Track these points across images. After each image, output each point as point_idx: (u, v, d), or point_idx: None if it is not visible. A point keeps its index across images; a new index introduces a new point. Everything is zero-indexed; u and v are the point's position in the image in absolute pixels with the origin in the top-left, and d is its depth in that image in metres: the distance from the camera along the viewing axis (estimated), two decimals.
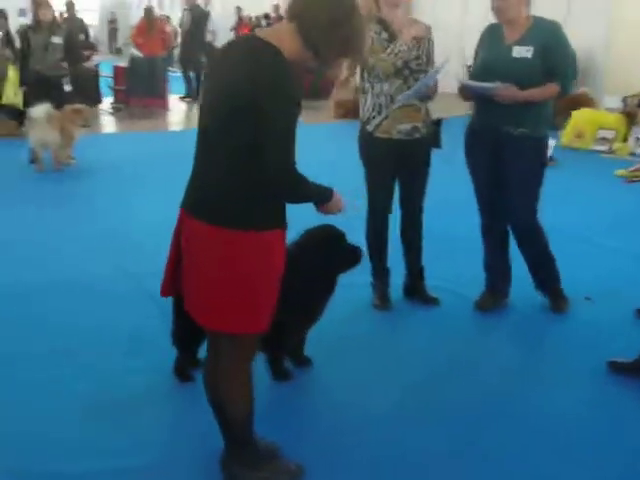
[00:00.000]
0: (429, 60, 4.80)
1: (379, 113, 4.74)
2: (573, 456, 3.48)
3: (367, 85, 4.77)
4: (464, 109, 4.89)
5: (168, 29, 16.94)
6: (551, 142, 10.35)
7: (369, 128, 4.79)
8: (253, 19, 24.81)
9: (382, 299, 5.10)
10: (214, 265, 2.81)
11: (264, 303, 2.89)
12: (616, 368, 4.20)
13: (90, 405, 3.85)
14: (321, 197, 2.98)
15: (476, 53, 4.80)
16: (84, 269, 5.84)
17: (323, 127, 11.45)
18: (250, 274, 2.80)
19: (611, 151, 11.38)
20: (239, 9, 25.59)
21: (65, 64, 10.21)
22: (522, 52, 4.46)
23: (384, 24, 4.70)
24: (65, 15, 16.24)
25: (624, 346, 4.42)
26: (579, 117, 12.14)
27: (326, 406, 3.94)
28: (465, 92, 4.69)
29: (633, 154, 10.64)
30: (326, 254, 3.81)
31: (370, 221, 5.02)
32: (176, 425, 3.74)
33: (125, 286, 5.46)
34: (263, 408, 3.76)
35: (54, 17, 10.35)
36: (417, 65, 4.71)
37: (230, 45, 2.92)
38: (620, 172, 9.22)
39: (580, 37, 15.85)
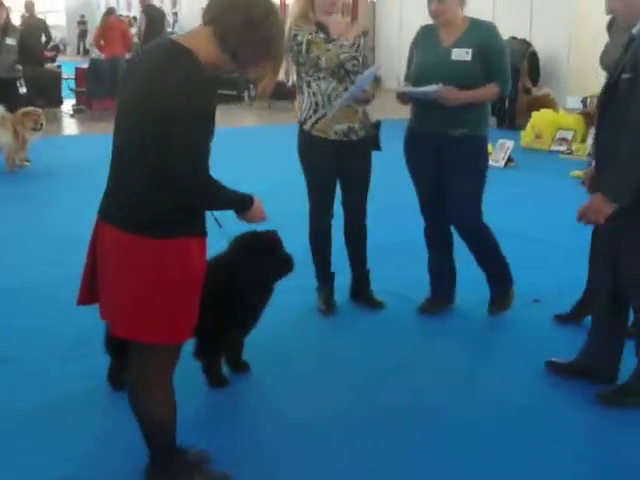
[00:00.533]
0: (363, 63, 4.78)
1: (315, 112, 4.70)
2: (511, 460, 3.45)
3: (303, 84, 4.74)
4: (403, 111, 4.85)
5: (130, 30, 16.78)
6: (509, 143, 10.45)
7: (305, 127, 4.76)
8: None
9: (327, 303, 5.06)
10: (129, 273, 2.75)
11: (183, 312, 2.83)
12: (553, 368, 4.19)
13: (15, 414, 3.77)
14: (239, 205, 2.93)
15: (410, 55, 4.77)
16: (31, 272, 5.77)
17: (287, 128, 11.40)
18: (167, 282, 2.74)
19: (570, 152, 11.42)
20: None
21: (19, 66, 10.10)
22: (462, 54, 4.44)
23: (321, 27, 4.67)
24: (25, 16, 16.02)
25: (565, 348, 4.40)
26: (539, 118, 12.22)
27: (264, 413, 3.90)
28: (404, 97, 4.66)
29: (590, 155, 10.65)
30: (255, 262, 3.75)
31: (312, 224, 4.98)
32: (105, 435, 3.66)
33: (72, 290, 5.36)
34: (198, 415, 3.77)
35: (8, 18, 10.23)
36: (352, 66, 4.67)
37: (146, 51, 2.88)
38: (576, 173, 9.25)
39: (543, 38, 16.10)
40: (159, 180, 2.65)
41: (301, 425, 3.71)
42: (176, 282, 2.76)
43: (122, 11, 28.26)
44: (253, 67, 2.87)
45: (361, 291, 5.20)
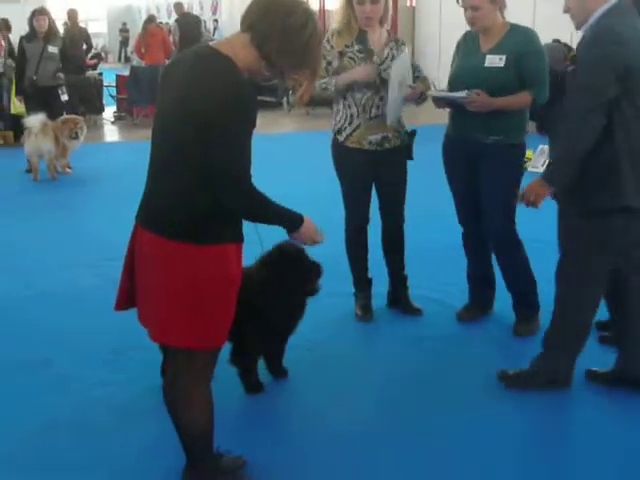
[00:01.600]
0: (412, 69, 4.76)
1: (350, 124, 4.72)
2: None
3: (339, 95, 4.73)
4: (439, 118, 4.83)
5: (170, 38, 16.91)
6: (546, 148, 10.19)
7: (340, 138, 4.78)
8: None
9: (364, 309, 5.05)
10: (167, 279, 2.76)
11: (219, 317, 2.84)
12: (505, 379, 4.17)
13: (52, 419, 3.81)
14: (285, 222, 2.92)
15: (453, 61, 4.73)
16: (70, 277, 5.85)
17: (325, 135, 11.37)
18: (204, 288, 2.76)
19: None
20: None
21: (61, 74, 10.21)
22: (495, 61, 4.38)
23: (361, 37, 4.69)
24: (67, 24, 16.25)
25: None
26: None
27: (298, 420, 3.89)
28: (438, 102, 4.62)
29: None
30: (284, 273, 3.77)
31: (348, 232, 5.00)
32: (141, 440, 3.66)
33: (110, 295, 5.40)
34: (234, 421, 3.76)
35: (50, 26, 10.35)
36: (387, 75, 4.65)
37: (183, 57, 2.88)
38: None
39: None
40: (201, 184, 2.66)
41: (333, 434, 3.70)
42: (213, 288, 2.77)
43: (163, 18, 28.46)
44: (290, 74, 2.88)
45: (399, 297, 5.17)
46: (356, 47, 4.67)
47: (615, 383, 4.04)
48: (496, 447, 3.59)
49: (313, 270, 3.86)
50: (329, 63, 4.68)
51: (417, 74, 4.77)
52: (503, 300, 4.95)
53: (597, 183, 3.62)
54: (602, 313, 4.77)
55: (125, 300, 3.06)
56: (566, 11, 3.72)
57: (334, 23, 4.79)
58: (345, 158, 4.79)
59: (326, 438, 3.66)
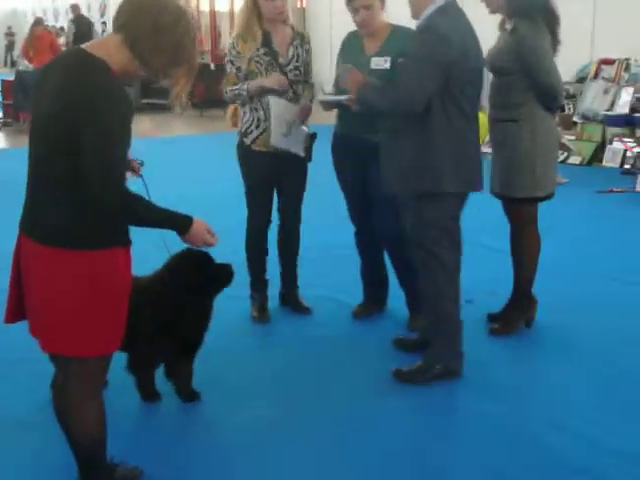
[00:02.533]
0: (307, 70, 4.80)
1: (257, 127, 4.70)
2: None
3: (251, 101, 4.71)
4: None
5: (59, 41, 16.56)
6: None
7: (246, 142, 4.76)
8: None
9: (260, 311, 5.05)
10: (53, 287, 2.69)
11: (110, 324, 2.79)
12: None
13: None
14: (173, 226, 2.87)
15: (338, 61, 4.71)
16: None
17: (219, 137, 11.37)
18: (92, 294, 2.70)
19: None
20: None
21: None
22: (380, 63, 4.41)
23: (267, 39, 4.65)
24: None
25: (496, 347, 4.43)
26: None
27: (197, 427, 3.83)
28: (324, 105, 4.62)
29: None
30: (192, 281, 3.64)
31: (250, 234, 4.98)
32: (38, 452, 3.56)
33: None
34: (129, 432, 3.69)
35: None
36: (295, 76, 4.69)
37: (55, 61, 2.80)
38: None
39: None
40: (78, 191, 2.60)
41: (233, 438, 3.69)
42: (102, 294, 2.72)
43: (49, 21, 27.83)
44: (165, 74, 2.82)
45: (289, 297, 5.20)
46: (262, 50, 4.64)
47: (420, 348, 4.31)
48: (392, 441, 3.64)
49: (219, 276, 3.74)
50: (238, 69, 4.66)
51: (306, 79, 4.79)
52: (397, 297, 5.02)
53: (423, 170, 3.90)
54: (494, 306, 4.93)
55: (14, 312, 2.94)
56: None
57: (236, 27, 4.74)
58: (251, 161, 4.79)
59: (224, 447, 3.63)
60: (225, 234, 3.13)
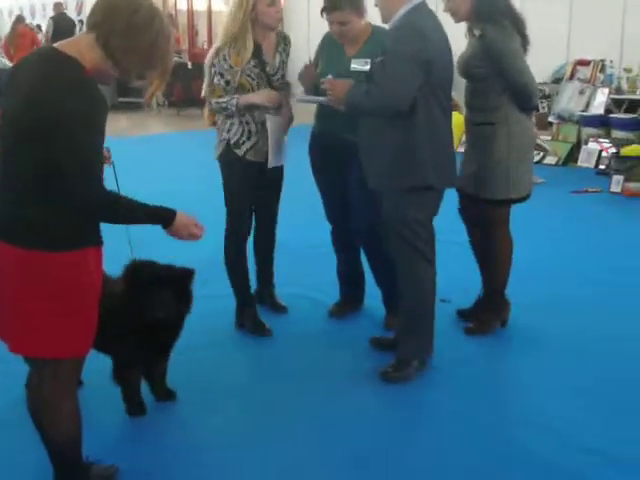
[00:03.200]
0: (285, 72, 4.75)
1: (249, 139, 4.60)
2: None
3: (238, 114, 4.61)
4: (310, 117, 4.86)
5: (39, 38, 16.51)
6: None
7: (239, 152, 4.62)
8: None
9: (260, 325, 4.89)
10: (25, 289, 2.68)
11: (82, 325, 2.79)
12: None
13: None
14: (156, 220, 2.86)
15: (316, 61, 4.74)
16: None
17: (196, 134, 11.33)
18: (64, 295, 2.70)
19: None
20: None
21: None
22: (360, 64, 4.40)
23: (257, 51, 4.54)
24: None
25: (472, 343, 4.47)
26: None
27: (173, 429, 3.81)
28: (301, 101, 4.63)
29: None
30: (136, 292, 3.52)
31: (234, 244, 4.81)
32: (11, 453, 3.55)
33: None
34: (105, 432, 3.68)
35: None
36: (280, 84, 4.66)
37: (27, 59, 2.77)
38: None
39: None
40: (50, 190, 2.59)
41: (209, 438, 3.70)
42: (74, 295, 2.72)
43: (27, 19, 27.60)
44: (138, 74, 2.80)
45: (265, 295, 5.19)
46: (252, 62, 4.53)
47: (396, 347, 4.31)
48: (367, 438, 3.67)
49: (157, 297, 3.54)
50: (227, 82, 4.51)
51: (283, 74, 4.72)
52: (373, 295, 5.04)
53: (408, 166, 3.96)
54: (464, 302, 4.97)
55: None
56: (376, 5, 4.04)
57: (226, 36, 4.51)
58: (240, 171, 4.65)
59: (199, 446, 3.63)
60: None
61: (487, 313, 4.85)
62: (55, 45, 2.71)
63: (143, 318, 3.54)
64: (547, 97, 11.92)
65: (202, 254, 4.76)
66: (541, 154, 10.71)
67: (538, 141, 9.94)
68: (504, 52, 4.36)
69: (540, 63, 13.26)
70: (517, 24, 4.50)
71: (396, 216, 4.05)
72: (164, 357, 3.91)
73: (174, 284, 3.58)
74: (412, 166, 3.96)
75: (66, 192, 2.59)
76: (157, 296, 3.52)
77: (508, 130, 4.47)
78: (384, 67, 3.87)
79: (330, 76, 4.20)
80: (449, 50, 4.01)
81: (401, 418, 3.88)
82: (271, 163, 4.64)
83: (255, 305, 5.00)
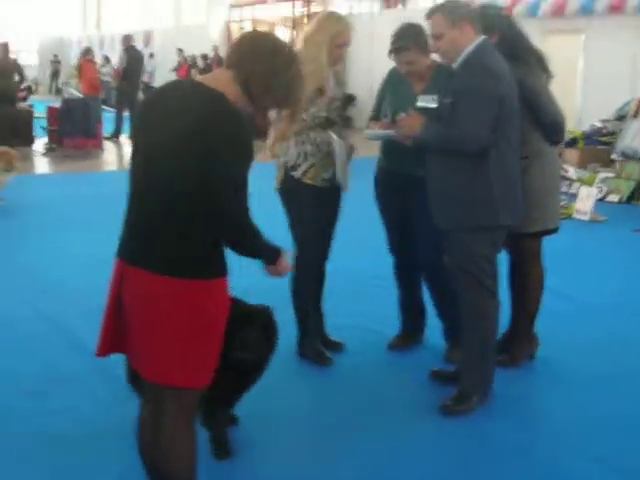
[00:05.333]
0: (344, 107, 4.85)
1: (305, 160, 4.64)
2: None
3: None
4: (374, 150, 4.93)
5: (94, 71, 17.02)
6: None
7: (296, 175, 4.66)
8: (189, 59, 24.99)
9: (323, 356, 4.91)
10: (170, 316, 2.69)
11: (210, 354, 2.81)
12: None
13: None
14: (271, 255, 2.93)
15: (381, 94, 4.83)
16: (2, 310, 5.76)
17: (261, 166, 11.39)
18: (207, 323, 2.74)
19: None
20: (181, 51, 25.73)
21: None
22: (427, 101, 4.45)
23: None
24: None
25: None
26: None
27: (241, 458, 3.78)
28: (370, 138, 4.71)
29: None
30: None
31: (300, 276, 4.76)
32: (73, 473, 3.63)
33: (41, 327, 5.43)
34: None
35: None
36: (336, 116, 4.72)
37: (167, 92, 2.87)
38: None
39: None
40: (200, 220, 2.65)
41: (277, 469, 3.71)
42: (214, 322, 2.76)
43: (96, 50, 28.33)
44: (265, 114, 2.94)
45: (318, 333, 5.07)
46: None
47: (457, 380, 4.32)
48: (429, 470, 3.69)
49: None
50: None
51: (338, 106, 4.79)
52: (435, 328, 5.06)
53: (481, 205, 4.03)
54: None
55: (109, 344, 2.91)
56: (435, 51, 4.21)
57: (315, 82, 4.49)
58: (302, 194, 4.67)
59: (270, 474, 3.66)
60: None
61: (519, 345, 4.86)
62: (197, 79, 2.84)
63: (231, 357, 3.33)
64: (611, 134, 11.85)
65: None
66: (603, 191, 10.63)
67: (562, 172, 9.89)
68: (534, 89, 4.42)
69: (603, 100, 13.33)
70: (541, 61, 4.60)
71: (464, 253, 4.10)
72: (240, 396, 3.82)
73: (262, 323, 3.55)
74: (485, 204, 4.02)
75: (216, 220, 2.66)
76: (247, 336, 3.45)
77: (541, 163, 4.55)
78: (460, 107, 3.93)
79: (403, 114, 4.28)
80: (514, 85, 4.07)
81: (461, 451, 3.89)
82: (345, 186, 4.70)
83: (316, 334, 4.99)
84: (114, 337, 2.87)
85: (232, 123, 2.64)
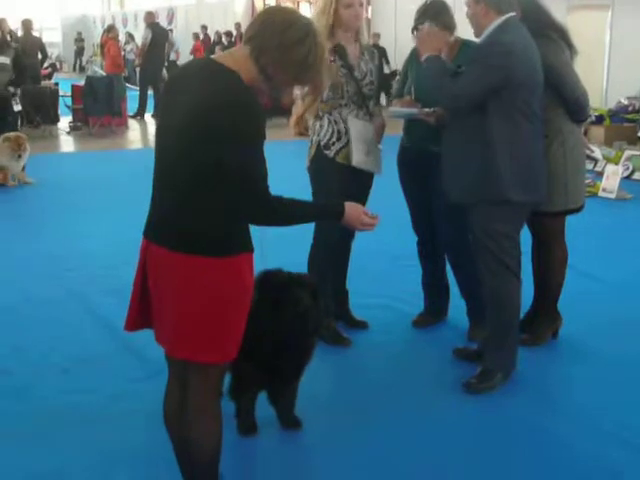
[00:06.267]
0: (380, 83, 4.81)
1: (339, 139, 4.63)
2: None
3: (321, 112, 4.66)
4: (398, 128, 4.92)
5: (117, 48, 17.10)
6: None
7: (329, 154, 4.65)
8: (214, 37, 24.97)
9: (342, 336, 4.91)
10: (187, 294, 2.70)
11: (236, 329, 2.81)
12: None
13: (13, 427, 3.84)
14: (325, 216, 2.94)
15: (404, 72, 4.82)
16: (27, 289, 5.84)
17: (285, 144, 11.45)
18: (224, 300, 2.72)
19: None
20: (205, 28, 25.70)
21: (11, 86, 10.17)
22: None
23: (341, 52, 4.59)
24: (20, 34, 16.18)
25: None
26: None
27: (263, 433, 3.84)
28: (394, 116, 4.69)
29: None
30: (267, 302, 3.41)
31: (319, 254, 4.78)
32: (105, 446, 3.68)
33: (71, 307, 5.50)
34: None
35: (2, 36, 10.30)
36: (369, 90, 4.69)
37: (187, 70, 2.87)
38: None
39: None
40: (218, 197, 2.65)
41: (301, 444, 3.77)
42: (233, 299, 2.75)
43: (119, 28, 28.38)
44: (287, 90, 2.86)
45: (342, 313, 5.10)
46: (339, 62, 4.58)
47: (480, 358, 4.34)
48: (451, 446, 3.73)
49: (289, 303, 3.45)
50: None
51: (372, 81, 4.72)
52: (457, 306, 5.08)
53: (488, 179, 4.03)
54: None
55: (136, 320, 2.94)
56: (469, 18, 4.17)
57: None
58: (334, 174, 4.64)
59: (288, 453, 3.70)
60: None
61: (541, 324, 4.86)
62: (215, 57, 2.80)
63: (288, 314, 3.42)
64: (637, 112, 11.75)
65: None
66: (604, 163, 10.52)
67: (587, 152, 9.80)
68: (555, 66, 4.36)
69: (630, 77, 13.19)
70: (564, 36, 4.54)
71: (482, 229, 4.12)
72: (291, 383, 3.77)
73: (311, 285, 3.57)
74: (492, 179, 4.02)
75: (233, 195, 2.64)
76: (295, 293, 3.46)
77: (562, 141, 4.50)
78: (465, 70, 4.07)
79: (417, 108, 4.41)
80: (538, 62, 4.05)
81: (482, 427, 3.92)
82: (356, 161, 4.60)
83: (332, 315, 4.93)
84: (141, 313, 2.90)
85: (238, 104, 2.60)
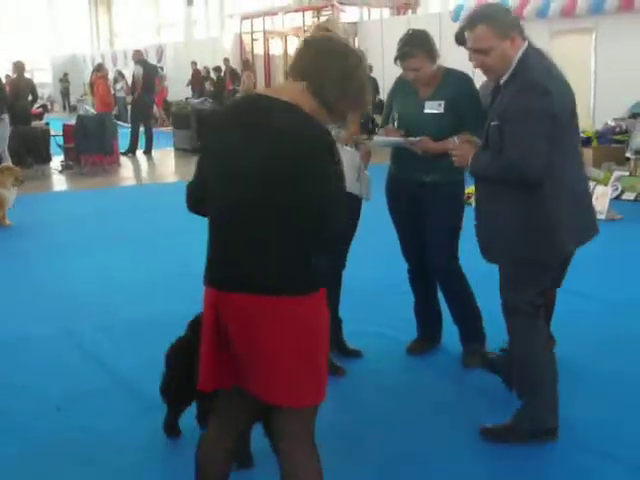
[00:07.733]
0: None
1: None
2: None
3: None
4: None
5: (106, 87, 17.23)
6: None
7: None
8: (203, 72, 25.22)
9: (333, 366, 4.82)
10: (285, 337, 2.63)
11: (326, 365, 2.77)
12: (489, 434, 4.01)
13: (13, 465, 3.83)
14: None
15: (389, 103, 4.87)
16: (21, 328, 5.83)
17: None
18: (315, 337, 2.70)
19: None
20: (194, 63, 25.94)
21: None
22: (434, 107, 4.52)
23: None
24: (13, 76, 16.28)
25: None
26: None
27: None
28: (379, 145, 4.76)
29: None
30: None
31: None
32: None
33: (64, 344, 5.48)
34: None
35: None
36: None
37: (242, 107, 2.81)
38: None
39: None
40: (299, 236, 2.63)
41: None
42: (322, 335, 2.73)
43: (108, 66, 28.56)
44: (350, 119, 2.91)
45: (336, 340, 4.97)
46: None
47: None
48: (451, 475, 3.72)
49: None
50: None
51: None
52: (450, 331, 5.08)
53: (535, 234, 3.64)
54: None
55: (215, 378, 2.81)
56: (478, 67, 3.70)
57: None
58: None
59: None
60: None
61: None
62: (266, 92, 2.79)
63: None
64: (624, 132, 11.84)
65: None
66: (619, 190, 10.61)
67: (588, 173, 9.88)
68: None
69: (616, 99, 13.31)
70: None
71: (517, 291, 3.74)
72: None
73: None
74: (542, 233, 3.62)
75: (312, 234, 2.63)
76: None
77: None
78: (509, 131, 3.54)
79: (455, 139, 4.31)
80: (572, 96, 3.69)
81: (478, 447, 3.92)
82: (350, 188, 4.52)
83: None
84: (219, 370, 2.78)
85: (323, 148, 2.58)
